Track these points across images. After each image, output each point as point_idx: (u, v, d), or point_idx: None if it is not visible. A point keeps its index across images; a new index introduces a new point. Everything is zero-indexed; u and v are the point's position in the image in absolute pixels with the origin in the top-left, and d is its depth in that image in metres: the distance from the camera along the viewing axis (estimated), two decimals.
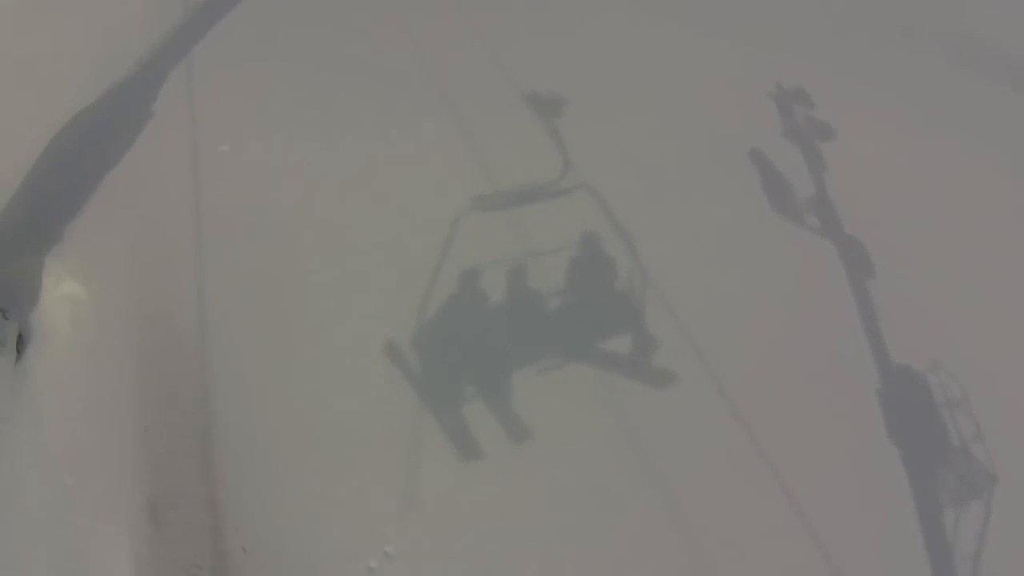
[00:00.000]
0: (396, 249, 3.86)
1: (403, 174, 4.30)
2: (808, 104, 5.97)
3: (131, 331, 3.54)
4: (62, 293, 3.73)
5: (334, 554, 2.84)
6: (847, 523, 3.30)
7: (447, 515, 2.92)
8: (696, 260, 4.20)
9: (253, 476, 2.97)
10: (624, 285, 3.85)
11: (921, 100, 5.82)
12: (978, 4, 7.01)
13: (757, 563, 3.06)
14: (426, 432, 3.12)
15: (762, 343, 3.92)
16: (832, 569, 3.14)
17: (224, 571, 2.79)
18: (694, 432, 3.40)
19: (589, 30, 5.81)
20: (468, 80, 5.00)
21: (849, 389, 3.86)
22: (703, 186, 4.67)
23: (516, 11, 5.85)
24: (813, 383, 3.81)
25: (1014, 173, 5.25)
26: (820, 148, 5.44)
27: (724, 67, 5.76)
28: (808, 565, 3.14)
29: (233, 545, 2.83)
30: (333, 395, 3.33)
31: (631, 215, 4.25)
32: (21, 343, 3.61)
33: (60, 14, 5.08)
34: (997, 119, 5.69)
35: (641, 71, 5.48)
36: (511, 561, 2.82)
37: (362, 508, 2.95)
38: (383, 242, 3.90)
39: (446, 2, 5.75)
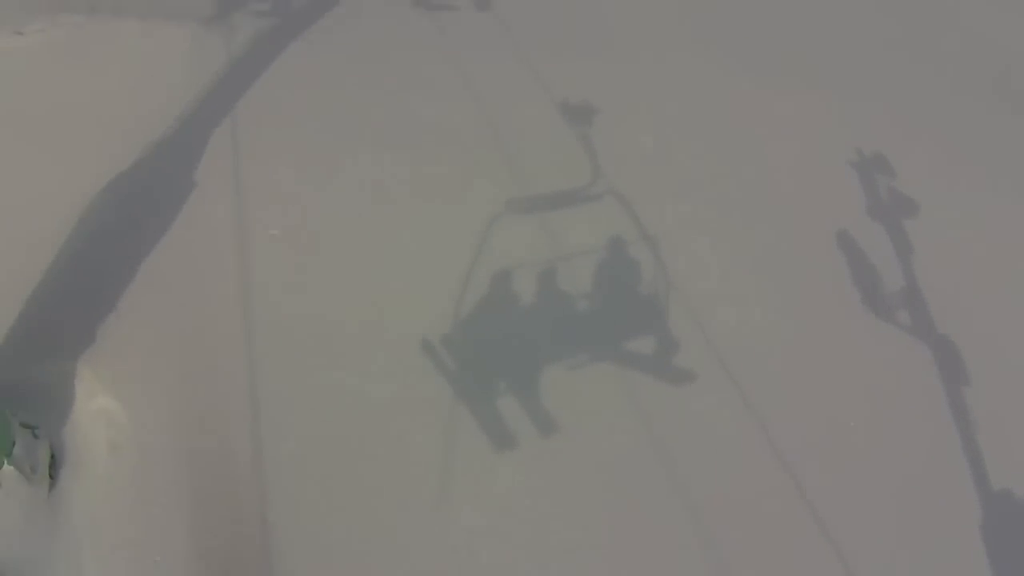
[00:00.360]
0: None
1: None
2: (888, 171, 5.41)
3: (177, 461, 3.12)
4: (97, 408, 3.30)
5: None
6: None
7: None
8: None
9: None
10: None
11: (1015, 168, 5.27)
12: None
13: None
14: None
15: (845, 449, 3.59)
16: None
17: None
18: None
19: (633, 54, 5.80)
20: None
21: (939, 513, 3.49)
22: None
23: (566, 32, 5.74)
24: (896, 502, 3.45)
25: None
26: (904, 225, 4.96)
27: (772, 108, 5.50)
28: None
29: None
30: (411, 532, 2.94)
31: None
32: (54, 466, 3.20)
33: (87, 67, 4.57)
34: None
35: (684, 100, 5.47)
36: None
37: None
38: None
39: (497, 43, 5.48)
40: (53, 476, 3.17)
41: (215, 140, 4.25)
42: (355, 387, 3.43)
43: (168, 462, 3.12)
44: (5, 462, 2.95)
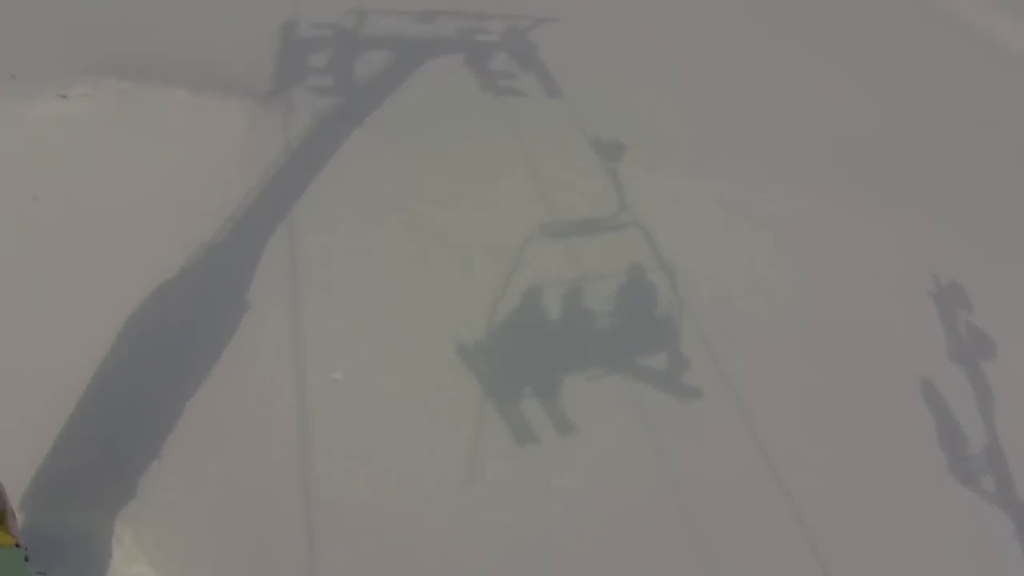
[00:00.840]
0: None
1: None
2: (967, 305, 4.98)
3: None
4: (136, 575, 2.99)
5: None
6: None
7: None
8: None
9: None
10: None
11: None
12: None
13: None
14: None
15: None
16: None
17: None
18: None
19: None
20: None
21: None
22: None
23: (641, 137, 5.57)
24: None
25: None
26: (983, 368, 4.54)
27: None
28: None
29: None
30: None
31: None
32: None
33: (131, 145, 4.17)
34: None
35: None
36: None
37: None
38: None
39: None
40: None
41: (271, 248, 3.90)
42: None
43: None
44: None
